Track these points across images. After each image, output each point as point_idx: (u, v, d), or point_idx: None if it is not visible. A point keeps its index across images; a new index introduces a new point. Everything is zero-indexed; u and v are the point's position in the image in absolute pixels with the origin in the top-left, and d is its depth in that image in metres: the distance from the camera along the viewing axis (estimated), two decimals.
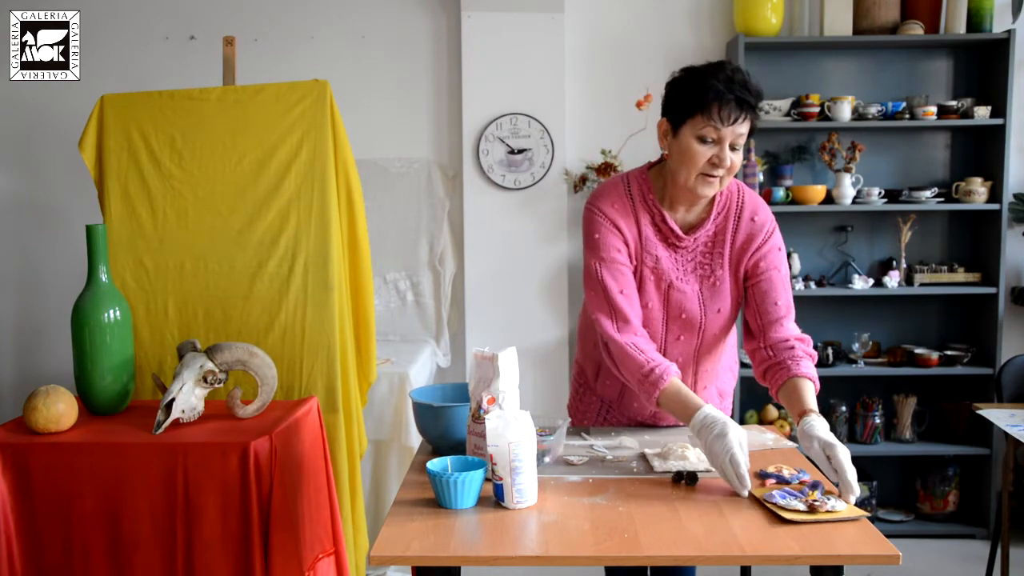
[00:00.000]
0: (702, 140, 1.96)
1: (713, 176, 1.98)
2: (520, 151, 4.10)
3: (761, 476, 1.94)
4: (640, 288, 2.08)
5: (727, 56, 4.06)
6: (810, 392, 1.98)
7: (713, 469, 1.91)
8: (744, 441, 1.83)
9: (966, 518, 4.08)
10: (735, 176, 2.08)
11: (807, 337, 2.09)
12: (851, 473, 1.77)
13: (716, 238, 2.10)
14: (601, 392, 2.31)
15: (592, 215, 2.10)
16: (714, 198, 2.09)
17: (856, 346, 3.99)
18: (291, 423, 2.12)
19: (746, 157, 3.91)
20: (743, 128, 1.96)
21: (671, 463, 2.00)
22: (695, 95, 1.95)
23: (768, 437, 2.26)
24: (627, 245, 2.07)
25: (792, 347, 2.05)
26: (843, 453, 1.79)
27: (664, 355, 2.11)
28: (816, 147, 4.07)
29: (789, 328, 2.09)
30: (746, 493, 1.81)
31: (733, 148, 1.97)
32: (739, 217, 2.10)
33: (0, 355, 4.28)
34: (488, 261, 4.14)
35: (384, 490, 3.53)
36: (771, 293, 2.10)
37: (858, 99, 3.97)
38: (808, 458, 1.99)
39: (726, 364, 2.33)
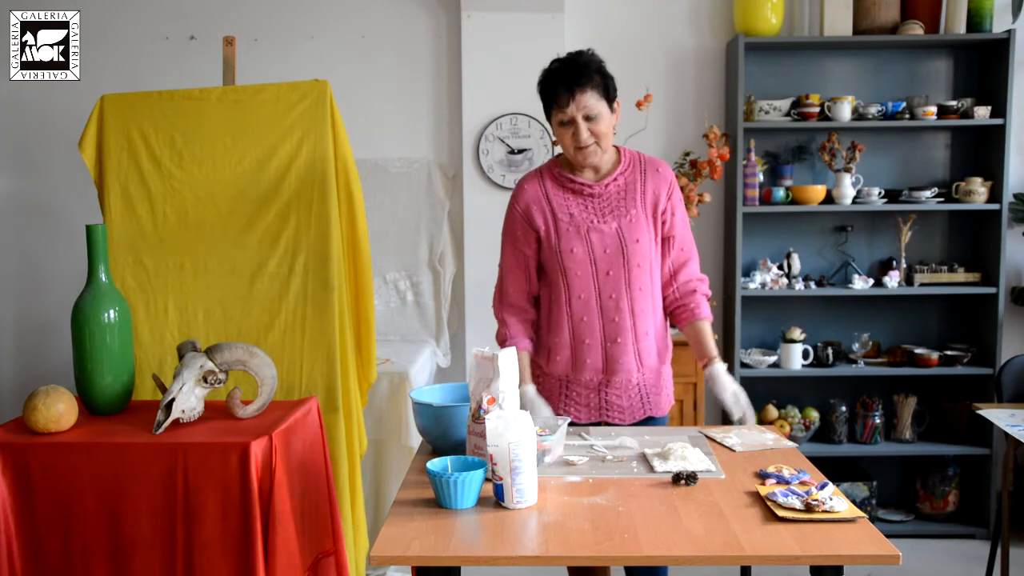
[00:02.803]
0: (562, 124, 2.36)
1: (582, 147, 2.36)
2: (520, 151, 4.10)
3: (761, 476, 1.94)
4: (562, 237, 2.41)
5: (727, 56, 4.07)
6: (710, 335, 2.49)
7: (713, 469, 1.97)
8: (539, 404, 2.38)
9: (966, 518, 4.08)
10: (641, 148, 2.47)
11: (705, 277, 2.55)
12: (745, 405, 2.37)
13: (628, 187, 2.44)
14: (556, 371, 2.46)
15: (509, 206, 2.50)
16: (619, 159, 2.46)
17: (856, 346, 3.99)
18: (291, 423, 2.12)
19: (745, 157, 3.92)
20: (586, 100, 2.32)
21: (671, 463, 2.01)
22: (543, 95, 2.41)
23: (768, 437, 2.26)
24: (534, 225, 2.44)
25: (694, 290, 2.51)
26: (745, 396, 2.39)
27: (599, 293, 2.41)
28: (816, 147, 4.07)
29: (692, 270, 2.53)
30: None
31: (589, 118, 2.33)
32: (644, 171, 2.46)
33: (0, 355, 4.28)
34: (488, 261, 4.11)
35: (384, 490, 3.53)
36: (678, 240, 2.50)
37: (858, 99, 3.97)
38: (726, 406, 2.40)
39: (662, 323, 2.54)
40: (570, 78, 2.32)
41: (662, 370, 2.51)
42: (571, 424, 2.34)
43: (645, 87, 3.95)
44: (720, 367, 2.41)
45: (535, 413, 2.33)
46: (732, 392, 2.36)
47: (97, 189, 2.75)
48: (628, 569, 2.46)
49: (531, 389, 2.42)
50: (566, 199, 2.43)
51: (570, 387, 2.46)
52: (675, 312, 2.53)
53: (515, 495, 1.76)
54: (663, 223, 2.46)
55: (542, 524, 1.71)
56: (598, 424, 2.45)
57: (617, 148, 2.47)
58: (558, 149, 4.09)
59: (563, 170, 2.47)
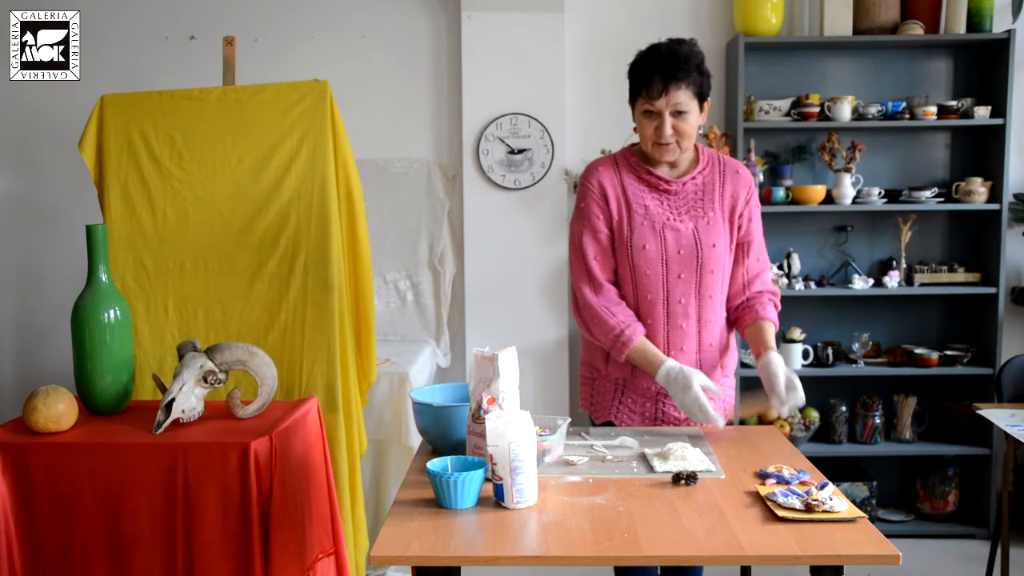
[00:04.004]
0: (646, 114, 2.25)
1: (663, 143, 2.25)
2: (520, 151, 4.10)
3: (761, 476, 1.94)
4: (635, 231, 2.29)
5: (727, 56, 4.07)
6: (771, 333, 2.32)
7: (713, 469, 1.97)
8: (708, 382, 2.19)
9: (966, 518, 4.08)
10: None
11: (777, 290, 2.42)
12: (800, 395, 2.18)
13: (706, 188, 2.33)
14: (615, 374, 2.38)
15: (582, 187, 2.38)
16: (697, 157, 2.35)
17: (856, 346, 3.99)
18: (291, 423, 2.12)
19: (745, 157, 3.92)
20: (679, 97, 2.20)
21: (671, 463, 2.01)
22: (633, 78, 2.27)
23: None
24: (608, 209, 2.31)
25: (761, 291, 2.38)
26: (798, 383, 2.19)
27: (667, 296, 2.30)
28: (816, 147, 4.07)
29: (766, 281, 2.41)
30: (721, 423, 2.19)
31: (678, 115, 2.22)
32: (723, 172, 2.36)
33: (0, 355, 4.28)
34: (488, 261, 4.14)
35: (384, 490, 3.53)
36: (755, 249, 2.39)
37: (858, 99, 3.97)
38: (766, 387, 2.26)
39: (728, 337, 2.44)
40: (667, 70, 2.18)
41: (724, 381, 2.41)
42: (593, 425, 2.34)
43: None
44: (776, 356, 2.22)
45: (690, 386, 2.17)
46: (787, 379, 2.17)
47: (97, 189, 2.75)
48: (664, 569, 2.41)
49: (674, 363, 2.23)
50: (641, 191, 2.31)
51: (625, 393, 2.37)
52: (740, 314, 2.37)
53: (515, 495, 1.76)
54: (739, 228, 2.34)
55: (542, 524, 1.71)
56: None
57: (696, 146, 2.35)
58: (559, 149, 4.12)
59: (639, 160, 2.34)
